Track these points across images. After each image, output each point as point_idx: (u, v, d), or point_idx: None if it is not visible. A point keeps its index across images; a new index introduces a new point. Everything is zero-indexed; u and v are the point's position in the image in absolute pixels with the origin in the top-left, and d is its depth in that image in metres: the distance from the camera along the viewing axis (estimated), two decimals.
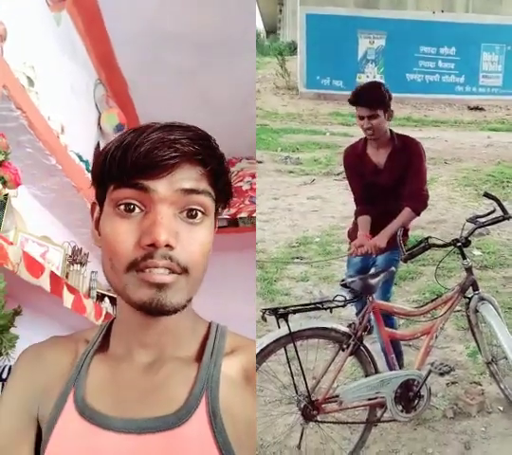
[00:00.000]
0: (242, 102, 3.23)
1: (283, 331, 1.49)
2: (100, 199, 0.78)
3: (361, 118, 1.97)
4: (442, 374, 1.91)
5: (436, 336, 1.71)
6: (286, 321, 1.48)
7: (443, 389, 1.95)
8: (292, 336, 1.49)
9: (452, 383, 1.98)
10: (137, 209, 0.72)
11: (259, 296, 2.67)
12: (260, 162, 4.53)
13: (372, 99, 1.97)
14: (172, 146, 0.70)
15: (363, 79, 6.34)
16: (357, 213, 2.11)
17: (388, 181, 2.01)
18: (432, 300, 1.76)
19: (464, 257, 1.74)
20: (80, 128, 2.61)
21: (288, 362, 1.52)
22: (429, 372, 1.68)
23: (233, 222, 3.90)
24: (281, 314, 1.48)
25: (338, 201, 3.75)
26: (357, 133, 2.16)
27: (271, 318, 1.50)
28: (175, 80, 3.04)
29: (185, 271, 0.72)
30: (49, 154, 2.02)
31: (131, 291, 0.71)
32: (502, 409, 1.83)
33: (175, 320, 0.77)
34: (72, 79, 2.56)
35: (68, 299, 1.91)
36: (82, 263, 2.32)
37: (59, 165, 2.10)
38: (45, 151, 1.98)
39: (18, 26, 1.92)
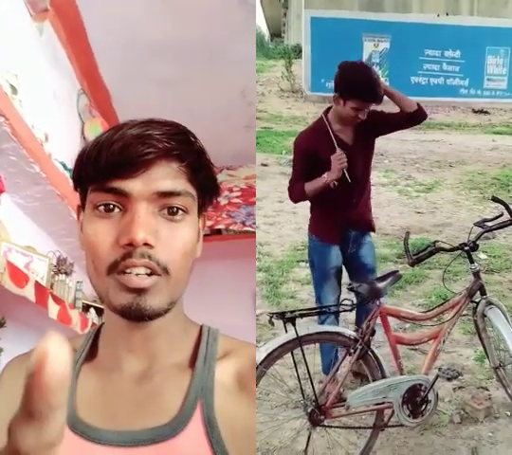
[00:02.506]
0: (227, 113, 3.22)
1: (291, 335, 1.48)
2: (83, 202, 0.77)
3: (356, 109, 1.84)
4: (449, 379, 1.90)
5: (444, 341, 1.70)
6: (294, 325, 1.47)
7: (450, 394, 1.94)
8: (299, 341, 1.49)
9: (459, 388, 1.97)
10: (116, 209, 0.71)
11: (264, 299, 2.67)
12: (265, 165, 4.53)
13: (377, 94, 1.82)
14: (146, 142, 0.68)
15: None
16: (299, 191, 1.96)
17: (357, 158, 1.92)
18: (440, 305, 1.76)
19: (471, 261, 1.73)
20: (64, 137, 2.57)
21: (295, 366, 1.52)
22: (437, 376, 1.67)
23: (216, 230, 3.83)
24: (288, 318, 1.47)
25: None
26: None
27: (278, 322, 1.49)
28: (158, 89, 3.01)
29: (165, 272, 0.70)
30: (33, 162, 1.98)
31: (112, 295, 0.70)
32: (509, 414, 1.82)
33: (165, 324, 0.75)
34: (55, 88, 2.53)
35: (54, 309, 1.88)
36: (67, 273, 2.29)
37: (43, 173, 2.06)
38: (28, 159, 1.94)
39: (0, 34, 1.90)
